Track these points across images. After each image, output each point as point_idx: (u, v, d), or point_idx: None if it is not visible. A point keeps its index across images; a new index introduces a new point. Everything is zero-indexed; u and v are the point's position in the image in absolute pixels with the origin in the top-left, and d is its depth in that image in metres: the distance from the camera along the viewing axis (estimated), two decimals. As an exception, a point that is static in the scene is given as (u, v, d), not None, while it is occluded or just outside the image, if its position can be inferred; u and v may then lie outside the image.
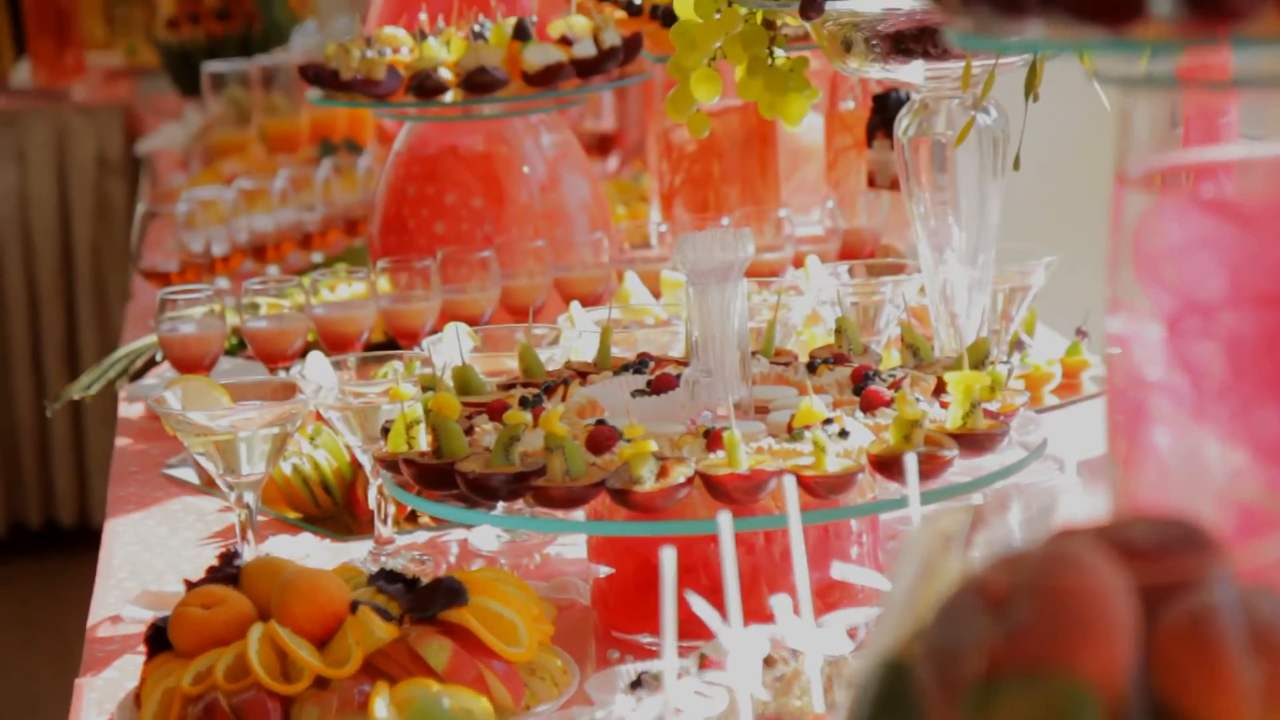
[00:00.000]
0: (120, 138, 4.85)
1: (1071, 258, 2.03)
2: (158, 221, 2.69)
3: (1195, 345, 0.91)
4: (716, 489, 1.39)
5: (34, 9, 4.97)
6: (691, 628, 1.13)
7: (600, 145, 3.47)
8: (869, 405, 1.50)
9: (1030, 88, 1.68)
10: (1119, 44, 0.88)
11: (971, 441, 1.46)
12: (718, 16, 1.92)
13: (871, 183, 2.52)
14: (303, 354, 1.95)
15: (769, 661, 1.18)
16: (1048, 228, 2.62)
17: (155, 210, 2.66)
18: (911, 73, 1.78)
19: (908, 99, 1.85)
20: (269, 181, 2.84)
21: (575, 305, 1.96)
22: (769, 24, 1.95)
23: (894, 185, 2.42)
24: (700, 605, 1.10)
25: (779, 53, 1.96)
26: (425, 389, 1.58)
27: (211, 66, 3.72)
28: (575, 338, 1.86)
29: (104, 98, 4.98)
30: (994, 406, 1.50)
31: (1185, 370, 0.91)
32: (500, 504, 1.46)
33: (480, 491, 1.43)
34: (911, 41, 1.75)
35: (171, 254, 2.62)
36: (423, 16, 2.28)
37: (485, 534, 1.76)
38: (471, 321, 2.03)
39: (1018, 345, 2.09)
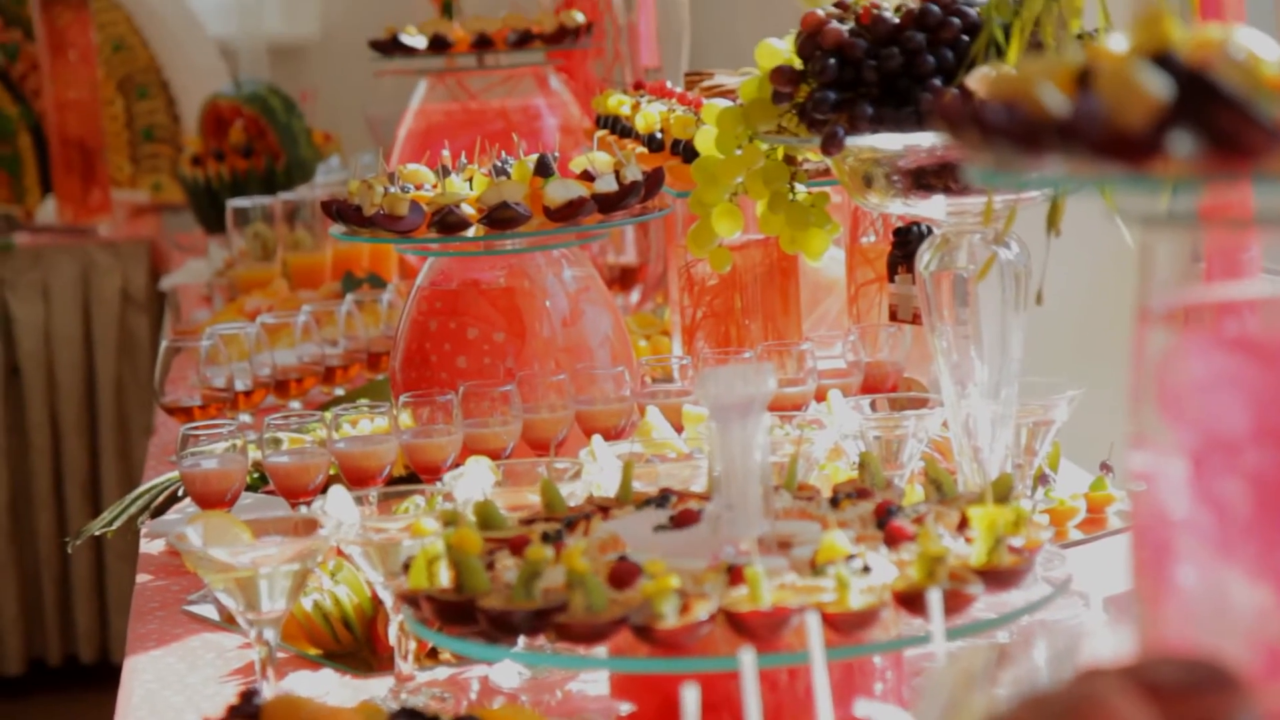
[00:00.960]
0: (145, 273, 4.88)
1: (1095, 392, 2.03)
2: (181, 357, 2.70)
3: (1220, 482, 0.91)
4: (739, 625, 1.38)
5: (60, 148, 5.02)
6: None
7: (623, 279, 3.49)
8: (892, 540, 1.49)
9: (1052, 223, 1.68)
10: (1138, 181, 0.89)
11: (996, 577, 1.45)
12: (739, 152, 1.93)
13: (893, 316, 2.52)
14: (324, 489, 1.95)
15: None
16: (1071, 362, 2.62)
17: (178, 345, 2.67)
18: (933, 208, 1.79)
19: (929, 233, 1.85)
20: (292, 316, 2.85)
21: (597, 439, 1.96)
22: (790, 159, 1.96)
23: (916, 319, 2.42)
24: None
25: (800, 188, 1.98)
26: (446, 524, 1.58)
27: (235, 202, 3.74)
28: (597, 472, 1.86)
29: (129, 234, 5.02)
30: (1018, 542, 1.49)
31: (1210, 507, 0.91)
32: (521, 640, 1.45)
33: (501, 627, 1.42)
34: (932, 177, 1.76)
35: (194, 389, 2.63)
36: (445, 153, 2.30)
37: (507, 670, 1.75)
38: (493, 456, 2.03)
39: (1042, 480, 2.08)
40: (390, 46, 3.49)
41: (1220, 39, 0.96)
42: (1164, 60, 0.91)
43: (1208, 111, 0.85)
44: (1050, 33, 1.55)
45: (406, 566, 1.53)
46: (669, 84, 2.86)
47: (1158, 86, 0.88)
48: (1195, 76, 0.86)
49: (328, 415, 2.13)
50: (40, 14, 4.94)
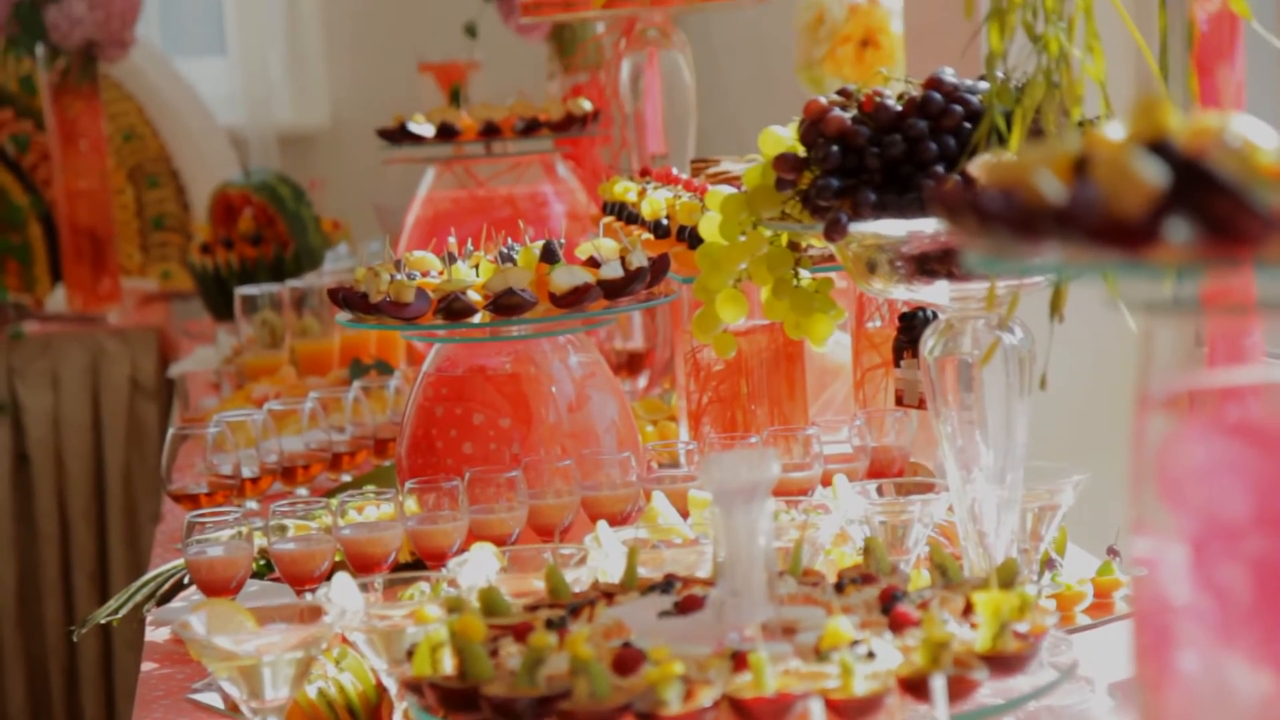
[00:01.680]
0: (154, 361, 4.89)
1: (1101, 476, 2.03)
2: (188, 444, 2.70)
3: (1221, 568, 0.91)
4: (744, 712, 1.37)
5: (71, 237, 5.04)
6: None
7: (630, 364, 3.49)
8: (897, 626, 1.49)
9: (1055, 309, 1.69)
10: (1136, 268, 0.89)
11: (1001, 662, 1.45)
12: (743, 238, 1.94)
13: (900, 401, 2.52)
14: (330, 576, 1.95)
15: None
16: (1077, 446, 2.62)
17: (185, 433, 2.67)
18: (936, 293, 1.80)
19: (934, 318, 1.86)
20: (299, 403, 2.86)
21: (602, 525, 1.95)
22: (794, 246, 1.97)
23: (922, 404, 2.42)
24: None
25: (804, 274, 1.98)
26: (450, 611, 1.57)
27: (243, 290, 3.76)
28: (602, 558, 1.85)
29: (138, 321, 5.03)
30: (1023, 627, 1.48)
31: (1211, 593, 0.91)
32: (526, 728, 1.44)
33: (505, 715, 1.42)
34: (935, 263, 1.77)
35: (201, 476, 2.63)
36: (451, 240, 2.31)
37: (511, 758, 1.74)
38: (499, 541, 2.03)
39: (1048, 565, 2.08)
40: (398, 135, 3.51)
41: (1217, 127, 0.97)
42: (1160, 148, 0.91)
43: (1203, 199, 0.85)
44: (1052, 120, 1.56)
45: (410, 653, 1.53)
46: (675, 170, 2.88)
47: (1153, 174, 0.88)
48: (1191, 164, 0.87)
49: (333, 502, 2.13)
50: (51, 105, 4.97)
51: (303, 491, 2.77)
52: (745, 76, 5.16)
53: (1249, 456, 0.92)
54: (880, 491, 1.97)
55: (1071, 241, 0.91)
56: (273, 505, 2.13)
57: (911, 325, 2.50)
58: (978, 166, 1.40)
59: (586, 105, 3.58)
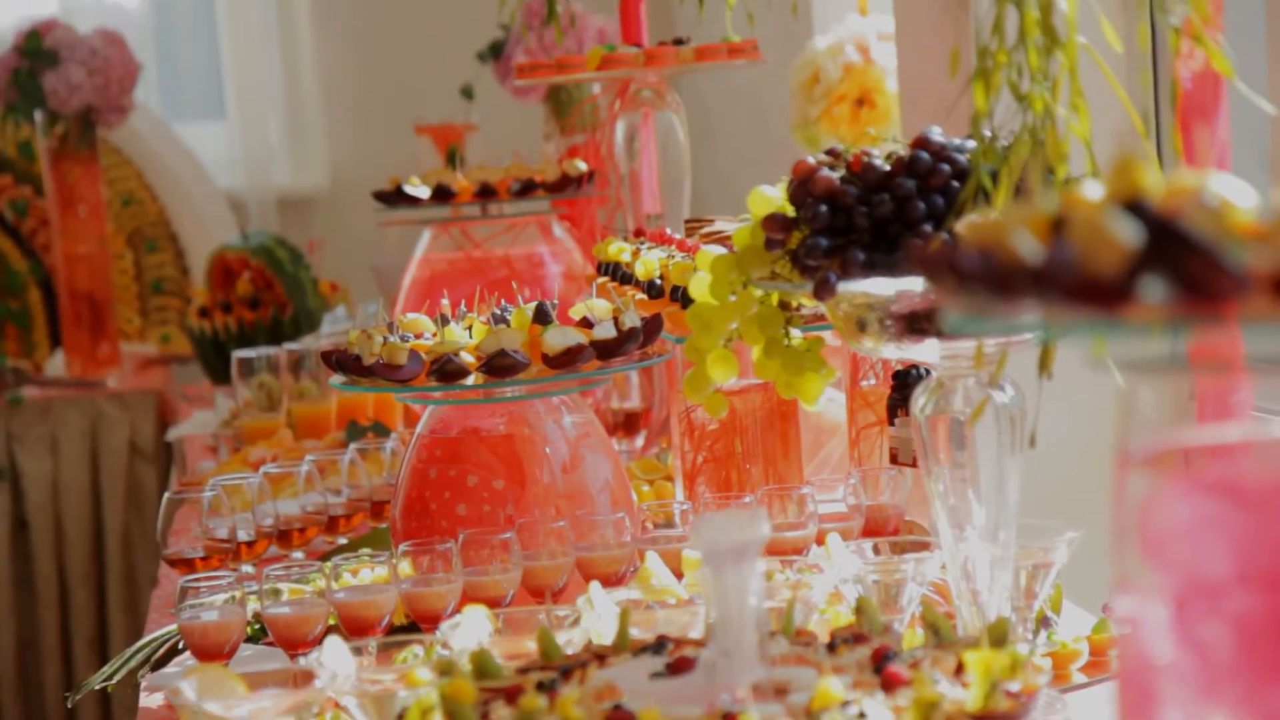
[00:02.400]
0: (152, 425, 4.89)
1: (1097, 533, 2.02)
2: (184, 508, 2.69)
3: (1203, 626, 0.91)
4: (734, 774, 1.37)
5: (70, 302, 5.05)
6: None
7: (627, 423, 3.49)
8: (889, 686, 1.49)
9: (1044, 367, 1.69)
10: (1113, 326, 0.89)
11: (993, 722, 1.44)
12: (733, 298, 1.95)
13: (894, 459, 2.52)
14: (324, 639, 1.94)
15: None
16: (1072, 503, 2.61)
17: (181, 497, 2.67)
18: (926, 352, 1.80)
19: (928, 376, 1.86)
20: (296, 466, 2.85)
21: (595, 586, 1.95)
22: (784, 305, 1.97)
23: (917, 462, 2.42)
24: None
25: (795, 333, 1.99)
26: (441, 674, 1.57)
27: (241, 353, 3.76)
28: (595, 619, 1.85)
29: (137, 385, 5.04)
30: (1015, 686, 1.48)
31: (1193, 651, 0.90)
32: (516, 792, 1.44)
33: (496, 780, 1.41)
34: (925, 321, 1.77)
35: (196, 540, 2.63)
36: (445, 301, 2.32)
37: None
38: (493, 603, 2.02)
39: (1044, 623, 2.07)
40: (394, 197, 3.52)
41: (1195, 186, 0.97)
42: (1135, 207, 0.92)
43: (1177, 258, 0.86)
44: (1037, 179, 1.56)
45: (401, 717, 1.52)
46: (669, 230, 2.88)
47: (1128, 234, 0.89)
48: (1164, 223, 0.87)
49: (327, 565, 2.13)
50: (50, 170, 4.99)
51: (298, 555, 2.77)
52: (740, 136, 5.18)
53: (1229, 514, 0.93)
54: (876, 550, 1.96)
55: (1049, 301, 0.91)
56: (266, 569, 2.13)
57: (905, 383, 2.50)
58: (963, 226, 1.40)
59: (582, 166, 3.59)
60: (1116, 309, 0.88)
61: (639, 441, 3.43)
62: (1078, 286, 0.88)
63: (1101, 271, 0.88)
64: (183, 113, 6.09)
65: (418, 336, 2.26)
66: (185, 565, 2.61)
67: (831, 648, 1.60)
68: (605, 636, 1.81)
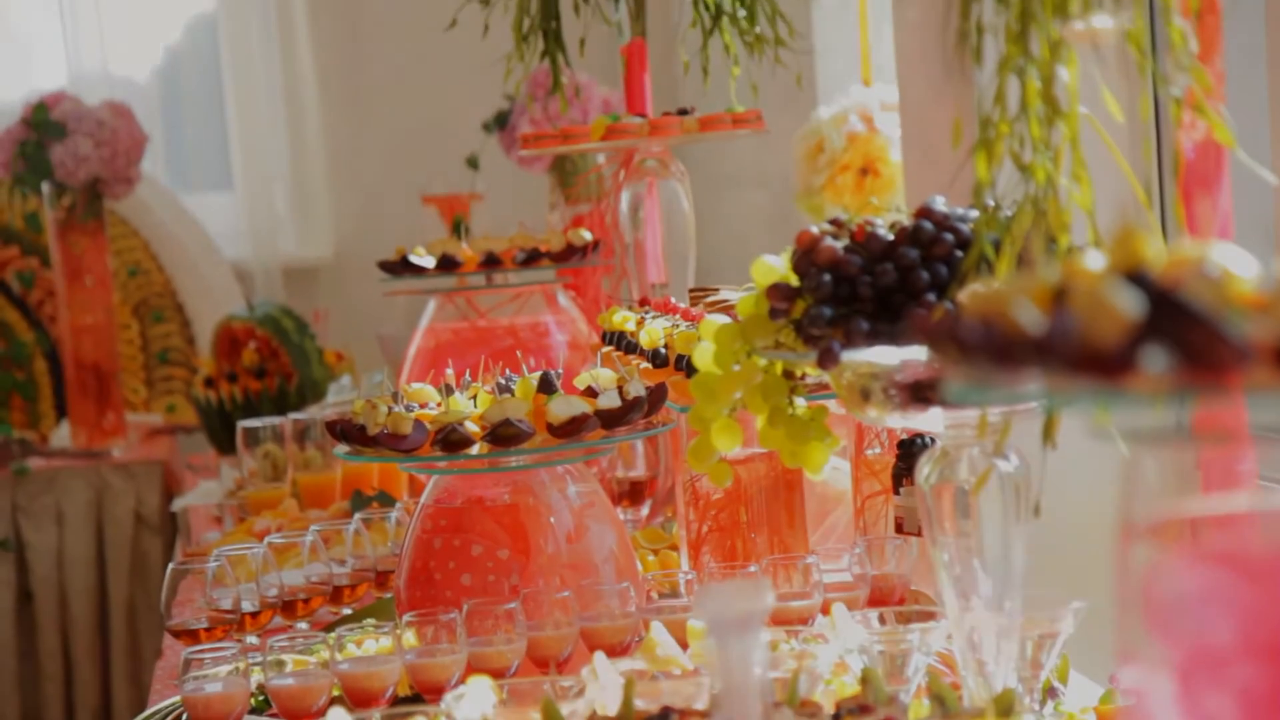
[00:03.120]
0: (158, 495, 4.89)
1: (1102, 603, 2.02)
2: (188, 579, 2.69)
3: (1208, 697, 0.90)
4: (739, 847, 1.36)
5: (76, 373, 5.06)
6: None
7: (633, 492, 3.49)
8: (894, 757, 1.48)
9: (1048, 436, 1.69)
10: (1114, 396, 0.89)
11: (999, 794, 1.44)
12: (737, 368, 1.95)
13: (900, 528, 2.51)
14: (328, 710, 1.94)
15: None
16: (1079, 572, 2.61)
17: (185, 567, 2.67)
18: (931, 421, 1.80)
19: (933, 444, 1.86)
20: (300, 536, 2.85)
21: (599, 656, 1.94)
22: (789, 374, 1.97)
23: (922, 531, 2.41)
24: None
25: (799, 402, 1.99)
26: (445, 747, 1.56)
27: (246, 423, 3.76)
28: (599, 690, 1.84)
29: (143, 456, 5.04)
30: (1021, 757, 1.47)
31: (1198, 722, 0.90)
32: None
33: None
34: (929, 390, 1.77)
35: (201, 611, 2.62)
36: (449, 371, 2.32)
37: None
38: (498, 674, 2.01)
39: (1050, 693, 2.06)
40: (399, 267, 3.52)
41: (1196, 256, 0.97)
42: (1137, 277, 0.92)
43: (1178, 328, 0.86)
44: (1039, 248, 1.57)
45: (405, 790, 1.52)
46: (673, 300, 2.89)
47: (1129, 304, 0.89)
48: (1165, 294, 0.87)
49: (331, 636, 2.12)
50: (57, 241, 5.01)
51: (303, 625, 2.76)
52: (745, 205, 5.20)
53: (1235, 584, 0.92)
54: (882, 620, 1.96)
55: (1051, 371, 0.91)
56: (270, 640, 2.12)
57: (910, 452, 2.50)
58: (966, 295, 1.40)
59: (587, 235, 3.60)
60: (1118, 379, 0.88)
61: (644, 511, 3.42)
62: (1079, 356, 0.88)
63: (1103, 342, 0.88)
64: (189, 184, 6.12)
65: (423, 406, 2.26)
66: (189, 636, 2.60)
67: (837, 719, 1.60)
68: (610, 707, 1.81)
